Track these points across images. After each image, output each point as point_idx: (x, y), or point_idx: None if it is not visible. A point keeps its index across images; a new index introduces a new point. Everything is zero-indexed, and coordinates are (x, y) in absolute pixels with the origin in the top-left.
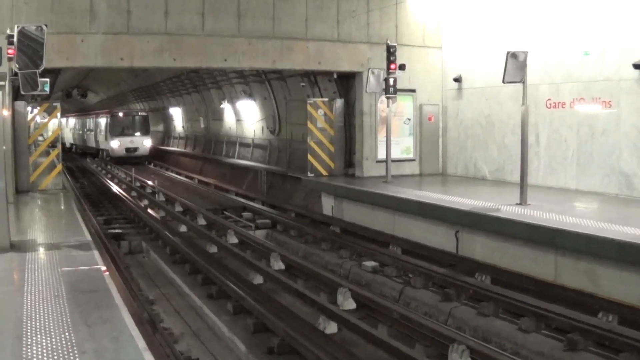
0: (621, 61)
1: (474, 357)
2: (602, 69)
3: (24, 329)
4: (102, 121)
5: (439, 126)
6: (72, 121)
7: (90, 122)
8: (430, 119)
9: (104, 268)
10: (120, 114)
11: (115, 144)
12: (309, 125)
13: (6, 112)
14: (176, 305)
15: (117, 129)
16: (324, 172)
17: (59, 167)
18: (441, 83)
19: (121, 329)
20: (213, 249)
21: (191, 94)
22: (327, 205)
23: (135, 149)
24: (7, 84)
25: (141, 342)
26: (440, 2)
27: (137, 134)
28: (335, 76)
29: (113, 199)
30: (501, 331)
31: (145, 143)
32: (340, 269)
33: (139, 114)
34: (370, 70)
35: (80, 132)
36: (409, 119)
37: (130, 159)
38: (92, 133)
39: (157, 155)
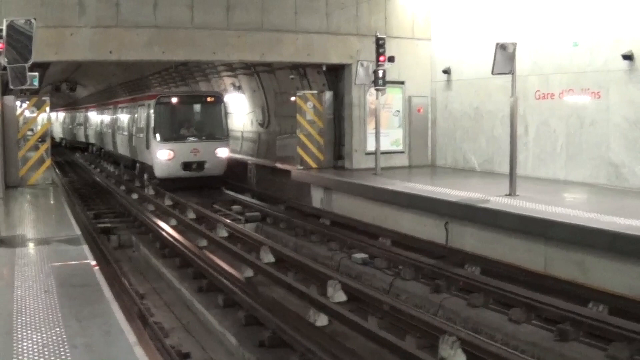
0: (610, 52)
1: (465, 347)
2: (592, 60)
3: (14, 324)
4: (140, 114)
5: (428, 118)
6: (79, 116)
7: (113, 116)
8: (419, 110)
9: (93, 262)
10: (175, 100)
11: (164, 154)
12: (298, 117)
13: None
14: (166, 299)
15: (169, 129)
16: (313, 165)
17: (48, 161)
18: (430, 75)
19: (111, 323)
20: (203, 243)
21: (179, 88)
22: (317, 197)
23: (201, 165)
24: None
25: (131, 337)
26: None
27: (205, 136)
28: (324, 68)
29: (102, 193)
30: (491, 322)
31: (220, 152)
32: (331, 261)
33: (208, 98)
34: (359, 63)
35: (98, 130)
36: (398, 111)
37: (193, 180)
38: (121, 135)
39: None
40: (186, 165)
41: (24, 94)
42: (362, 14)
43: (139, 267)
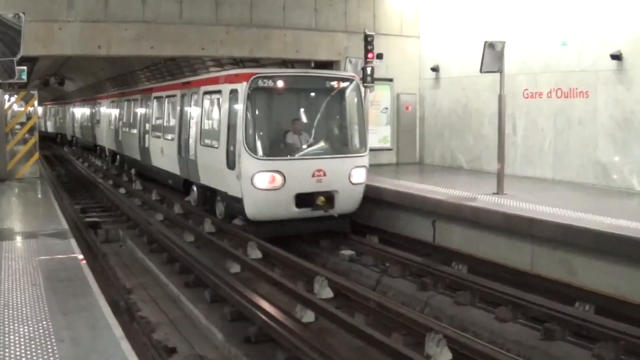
0: (599, 52)
1: (451, 345)
2: (580, 60)
3: (1, 318)
4: (207, 109)
5: (416, 115)
6: (82, 112)
7: (139, 110)
8: (407, 108)
9: (81, 256)
10: (284, 84)
11: (264, 180)
12: None
13: None
14: (153, 294)
15: (273, 134)
16: None
17: (36, 155)
18: (419, 72)
19: (98, 317)
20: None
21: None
22: None
23: (330, 198)
24: None
25: (118, 331)
26: None
27: (334, 147)
28: (312, 65)
29: (90, 186)
30: (478, 320)
31: (356, 176)
32: (318, 257)
33: (337, 82)
34: (347, 59)
35: (110, 129)
36: (387, 108)
37: (310, 224)
38: (159, 140)
39: None
40: (303, 200)
41: (12, 88)
42: (351, 11)
43: (125, 262)
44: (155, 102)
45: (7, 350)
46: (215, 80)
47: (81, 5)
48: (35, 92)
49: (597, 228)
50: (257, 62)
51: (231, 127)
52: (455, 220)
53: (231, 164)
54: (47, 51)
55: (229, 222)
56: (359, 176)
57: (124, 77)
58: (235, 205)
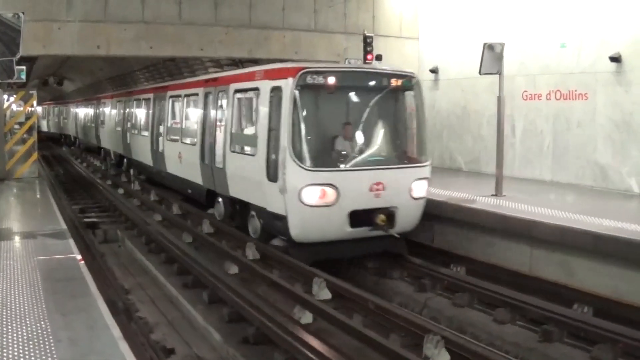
0: (598, 54)
1: (449, 347)
2: (579, 62)
3: None
4: (241, 108)
5: None
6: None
7: (149, 111)
8: None
9: (79, 257)
10: (336, 80)
11: (314, 194)
12: None
13: None
14: (151, 294)
15: (324, 141)
16: None
17: (35, 155)
18: (417, 74)
19: (96, 317)
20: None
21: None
22: None
23: (391, 216)
24: None
25: (116, 331)
26: None
27: (393, 156)
28: None
29: (88, 187)
30: (476, 322)
31: (417, 190)
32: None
33: (395, 80)
34: (347, 61)
35: (116, 130)
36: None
37: (363, 245)
38: (175, 143)
39: None
40: (358, 217)
41: (11, 88)
42: (350, 12)
43: (124, 262)
44: (171, 102)
45: (5, 350)
46: (250, 76)
47: (80, 5)
48: (34, 92)
49: (595, 230)
50: (256, 63)
51: (272, 132)
52: (454, 222)
53: (272, 175)
54: (46, 51)
55: (266, 242)
56: (421, 190)
57: (124, 77)
58: (275, 223)
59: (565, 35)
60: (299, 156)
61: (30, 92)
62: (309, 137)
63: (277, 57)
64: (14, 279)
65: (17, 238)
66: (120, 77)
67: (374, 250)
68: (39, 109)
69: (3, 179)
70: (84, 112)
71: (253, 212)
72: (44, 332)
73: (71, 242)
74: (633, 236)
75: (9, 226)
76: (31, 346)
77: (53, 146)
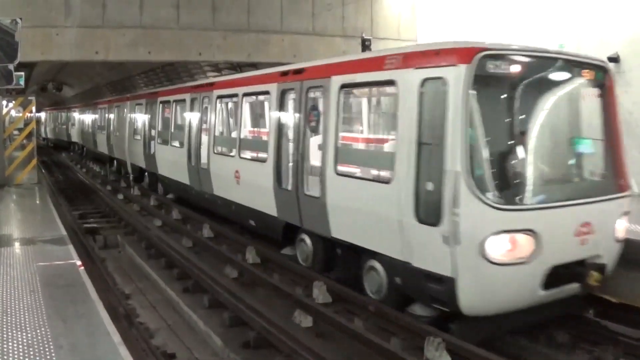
0: (596, 54)
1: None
2: None
3: None
4: (405, 116)
5: None
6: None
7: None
8: None
9: (79, 262)
10: (519, 69)
11: (502, 245)
12: None
13: None
14: (152, 299)
15: (507, 166)
16: None
17: (34, 161)
18: None
19: (97, 323)
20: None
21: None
22: None
23: (600, 269)
24: None
25: (117, 337)
26: None
27: (592, 181)
28: None
29: (88, 192)
30: None
31: (620, 229)
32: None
33: (588, 71)
34: None
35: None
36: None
37: (557, 309)
38: (273, 168)
39: None
40: (557, 275)
41: (10, 94)
42: (349, 15)
43: (124, 267)
44: (220, 104)
45: (5, 357)
46: (374, 64)
47: (78, 11)
48: (32, 98)
49: None
50: (254, 67)
51: (427, 147)
52: None
53: (428, 214)
54: (45, 57)
55: (397, 307)
56: (624, 229)
57: (122, 82)
58: (428, 286)
59: (563, 36)
60: (480, 186)
61: (29, 98)
62: (492, 157)
63: (276, 60)
64: (14, 286)
65: (17, 244)
66: (119, 82)
67: (557, 314)
68: (43, 114)
69: (3, 185)
70: (91, 117)
71: (376, 264)
72: (45, 339)
73: (71, 248)
74: None
75: (9, 232)
76: (32, 353)
77: (53, 152)
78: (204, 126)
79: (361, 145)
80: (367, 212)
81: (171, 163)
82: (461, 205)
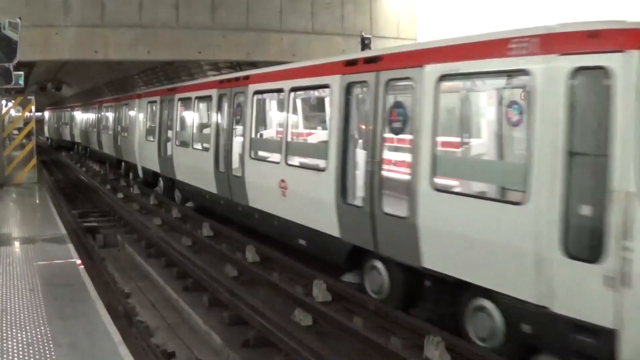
0: None
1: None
2: None
3: None
4: (542, 121)
5: None
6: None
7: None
8: None
9: (79, 261)
10: None
11: None
12: None
13: None
14: (152, 298)
15: None
16: None
17: (34, 160)
18: None
19: (96, 322)
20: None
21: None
22: None
23: None
24: None
25: (116, 336)
26: None
27: None
28: None
29: (88, 191)
30: None
31: None
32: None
33: None
34: None
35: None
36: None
37: None
38: (334, 179)
39: None
40: None
41: (9, 93)
42: (348, 14)
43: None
44: (258, 100)
45: (5, 356)
46: (489, 48)
47: (77, 11)
48: (32, 97)
49: None
50: (254, 66)
51: (578, 158)
52: None
53: (581, 247)
54: (44, 56)
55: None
56: None
57: (121, 81)
58: (574, 338)
59: None
60: None
61: (29, 97)
62: None
63: (275, 59)
64: (14, 284)
65: (17, 243)
66: (118, 82)
67: None
68: (46, 114)
69: (2, 184)
70: (96, 117)
71: (488, 304)
72: (44, 338)
73: (71, 247)
74: None
75: (9, 231)
76: (31, 351)
77: (52, 151)
78: (237, 127)
79: (471, 153)
80: (482, 241)
81: (193, 168)
82: (636, 237)
